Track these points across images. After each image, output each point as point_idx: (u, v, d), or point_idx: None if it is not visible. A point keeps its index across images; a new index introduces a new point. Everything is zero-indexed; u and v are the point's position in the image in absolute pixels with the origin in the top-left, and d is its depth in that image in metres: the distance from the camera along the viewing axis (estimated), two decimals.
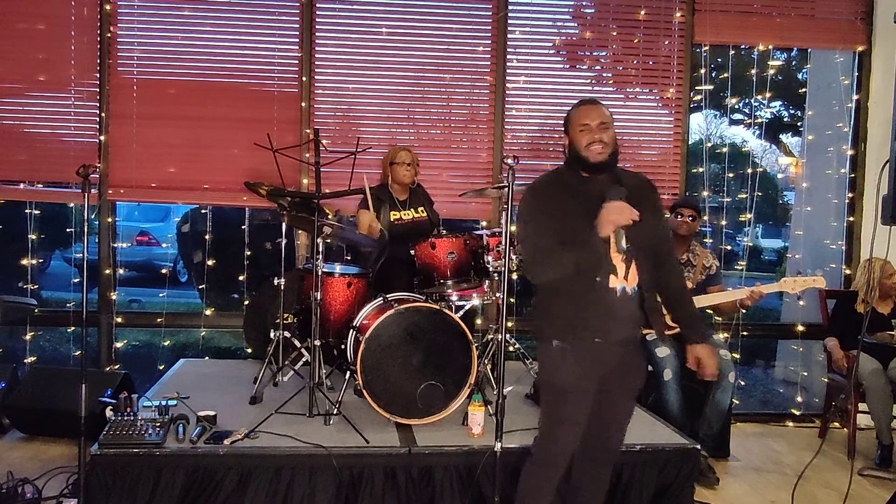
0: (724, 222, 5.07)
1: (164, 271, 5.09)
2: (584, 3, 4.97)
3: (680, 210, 4.07)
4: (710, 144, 5.18)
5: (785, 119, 9.89)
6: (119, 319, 4.64)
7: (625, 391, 2.45)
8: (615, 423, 2.47)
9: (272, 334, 3.82)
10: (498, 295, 3.67)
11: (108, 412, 2.98)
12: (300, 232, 4.66)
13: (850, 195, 5.00)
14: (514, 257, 3.44)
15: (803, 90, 5.79)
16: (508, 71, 4.75)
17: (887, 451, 3.97)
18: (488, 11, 4.74)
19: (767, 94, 5.04)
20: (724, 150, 5.17)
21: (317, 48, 4.65)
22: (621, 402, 2.46)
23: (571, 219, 2.28)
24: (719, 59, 5.36)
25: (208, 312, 4.76)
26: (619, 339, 2.36)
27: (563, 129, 2.46)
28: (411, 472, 2.96)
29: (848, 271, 4.98)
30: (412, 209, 4.09)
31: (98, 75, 4.51)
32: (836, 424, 4.60)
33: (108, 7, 4.49)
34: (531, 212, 2.35)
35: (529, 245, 2.35)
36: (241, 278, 4.69)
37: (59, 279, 7.44)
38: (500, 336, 2.65)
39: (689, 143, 5.02)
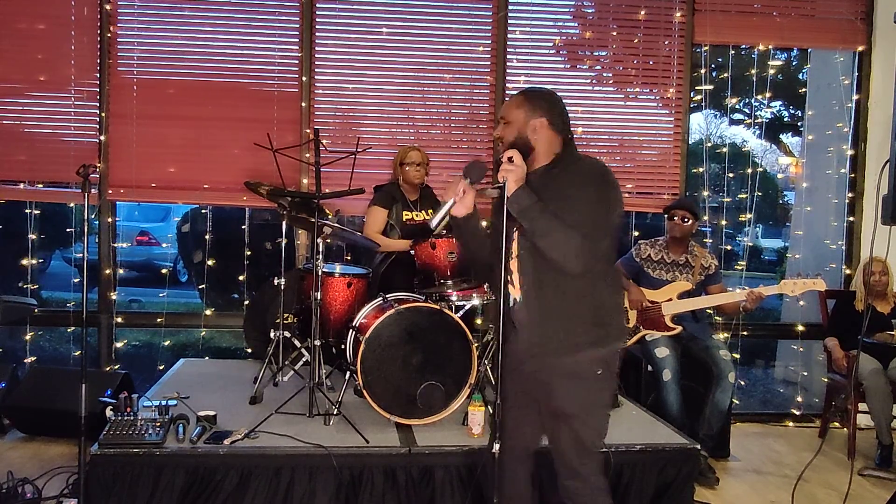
0: (724, 222, 5.07)
1: (164, 271, 5.09)
2: (584, 3, 4.97)
3: (673, 212, 4.06)
4: (710, 144, 5.18)
5: (785, 119, 9.89)
6: (119, 319, 4.64)
7: (548, 416, 2.26)
8: (551, 445, 2.29)
9: (272, 334, 3.82)
10: None
11: (108, 412, 2.98)
12: (300, 232, 4.66)
13: (850, 195, 5.00)
14: None
15: (803, 90, 5.79)
16: (508, 71, 4.74)
17: (887, 451, 3.97)
18: (488, 11, 4.74)
19: (767, 94, 5.04)
20: (724, 150, 5.17)
21: (317, 48, 4.65)
22: (549, 426, 2.28)
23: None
24: (719, 59, 5.36)
25: (208, 312, 4.76)
26: (519, 361, 2.25)
27: None
28: (411, 472, 2.96)
29: (848, 271, 4.98)
30: (423, 210, 4.09)
31: (98, 75, 4.51)
32: (836, 424, 4.60)
33: (108, 7, 4.48)
34: None
35: None
36: (241, 278, 4.68)
37: (59, 279, 7.44)
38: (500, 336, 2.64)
39: (689, 143, 5.02)
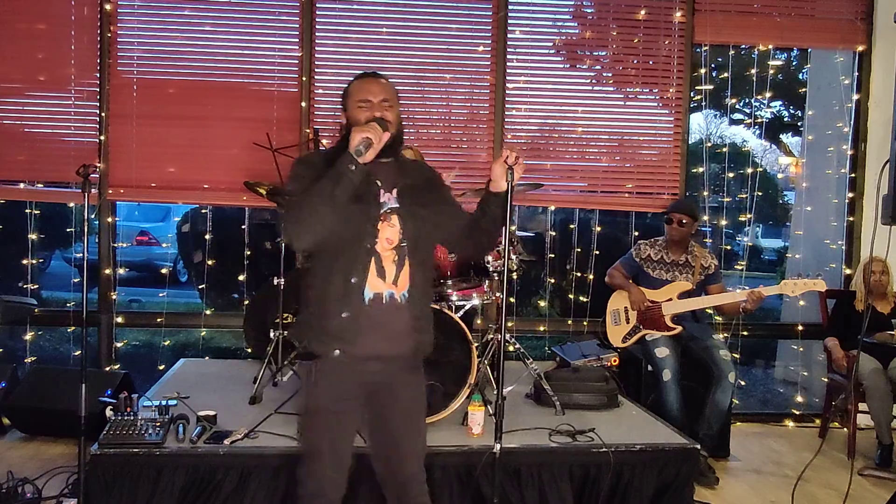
0: (724, 222, 5.07)
1: (164, 271, 5.09)
2: (584, 3, 4.97)
3: (671, 215, 4.06)
4: (710, 144, 5.18)
5: (785, 119, 9.89)
6: (119, 319, 4.64)
7: (401, 417, 2.12)
8: (397, 446, 2.13)
9: (272, 334, 3.82)
10: (498, 294, 3.67)
11: (108, 412, 2.98)
12: None
13: (850, 195, 4.99)
14: (514, 257, 3.45)
15: (803, 90, 5.79)
16: (508, 71, 4.74)
17: (887, 451, 3.97)
18: (488, 11, 4.74)
19: (767, 94, 5.04)
20: (724, 150, 5.17)
21: (317, 48, 4.65)
22: (399, 430, 2.12)
23: None
24: (719, 59, 5.36)
25: (208, 312, 4.76)
26: (376, 356, 2.05)
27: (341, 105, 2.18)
28: None
29: (848, 271, 4.97)
30: None
31: (98, 75, 4.51)
32: (836, 424, 4.60)
33: (108, 7, 4.48)
34: (294, 176, 2.07)
35: (289, 202, 2.06)
36: (241, 278, 4.68)
37: (59, 279, 7.44)
38: (499, 336, 2.64)
39: (689, 143, 5.01)
